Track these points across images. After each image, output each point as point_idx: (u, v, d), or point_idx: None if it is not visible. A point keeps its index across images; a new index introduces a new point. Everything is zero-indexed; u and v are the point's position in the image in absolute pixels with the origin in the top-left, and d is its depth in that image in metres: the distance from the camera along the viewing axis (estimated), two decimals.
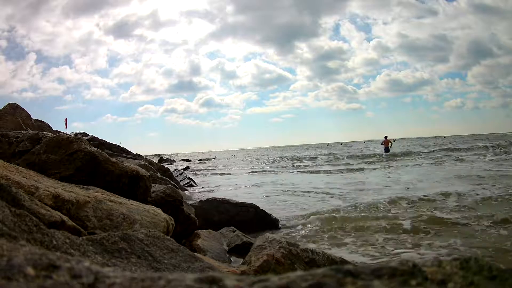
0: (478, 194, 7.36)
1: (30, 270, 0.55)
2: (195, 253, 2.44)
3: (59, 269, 0.57)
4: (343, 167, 18.15)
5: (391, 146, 24.68)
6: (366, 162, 20.11)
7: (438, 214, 5.95)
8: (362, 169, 16.07)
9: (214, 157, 48.80)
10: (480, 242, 4.45)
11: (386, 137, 24.91)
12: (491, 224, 5.07)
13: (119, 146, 11.89)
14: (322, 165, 20.98)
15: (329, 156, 28.41)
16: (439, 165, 15.75)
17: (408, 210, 6.53)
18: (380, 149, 25.66)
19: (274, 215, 6.19)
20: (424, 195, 7.53)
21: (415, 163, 17.29)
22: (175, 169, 17.28)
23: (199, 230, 4.32)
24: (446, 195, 7.41)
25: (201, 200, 6.67)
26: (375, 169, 16.05)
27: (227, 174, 18.73)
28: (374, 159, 21.79)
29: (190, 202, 6.75)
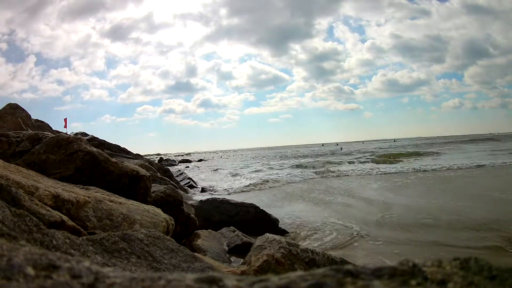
0: None
1: (30, 270, 0.55)
2: (195, 253, 2.44)
3: (59, 269, 0.57)
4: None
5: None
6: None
7: None
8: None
9: (212, 158, 48.99)
10: None
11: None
12: None
13: (119, 146, 11.91)
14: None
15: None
16: None
17: None
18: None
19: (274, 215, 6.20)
20: None
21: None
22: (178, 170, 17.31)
23: (199, 230, 4.33)
24: None
25: (201, 200, 6.68)
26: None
27: (227, 174, 18.74)
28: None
29: (190, 202, 6.75)
